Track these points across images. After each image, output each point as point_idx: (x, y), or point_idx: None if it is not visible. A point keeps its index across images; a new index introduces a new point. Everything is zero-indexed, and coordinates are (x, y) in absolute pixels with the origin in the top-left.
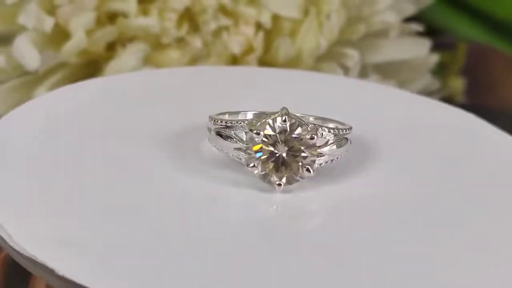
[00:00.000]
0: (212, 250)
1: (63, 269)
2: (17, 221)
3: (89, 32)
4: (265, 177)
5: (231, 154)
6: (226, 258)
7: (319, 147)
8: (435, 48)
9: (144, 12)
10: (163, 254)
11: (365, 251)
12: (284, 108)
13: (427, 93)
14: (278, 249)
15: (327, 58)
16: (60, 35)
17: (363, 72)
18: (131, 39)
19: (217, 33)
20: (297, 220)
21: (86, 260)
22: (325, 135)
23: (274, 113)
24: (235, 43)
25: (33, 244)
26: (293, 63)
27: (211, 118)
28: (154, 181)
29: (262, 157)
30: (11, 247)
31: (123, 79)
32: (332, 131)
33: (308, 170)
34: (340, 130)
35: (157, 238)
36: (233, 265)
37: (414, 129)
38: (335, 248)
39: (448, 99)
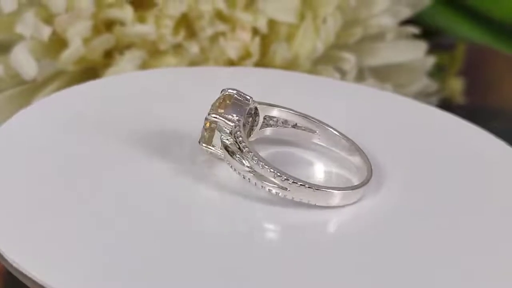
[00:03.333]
0: (213, 253)
1: (55, 283)
2: (10, 231)
3: (86, 40)
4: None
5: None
6: (225, 263)
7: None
8: (434, 49)
9: (141, 20)
10: (165, 263)
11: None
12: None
13: (425, 95)
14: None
15: (324, 62)
16: (58, 43)
17: (360, 76)
18: (129, 46)
19: (214, 38)
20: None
21: (76, 271)
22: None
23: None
24: (231, 48)
25: (23, 257)
26: (290, 67)
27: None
28: (152, 183)
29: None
30: (4, 260)
31: (119, 80)
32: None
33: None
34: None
35: (156, 245)
36: (241, 271)
37: (410, 133)
38: (337, 254)
39: (447, 100)
